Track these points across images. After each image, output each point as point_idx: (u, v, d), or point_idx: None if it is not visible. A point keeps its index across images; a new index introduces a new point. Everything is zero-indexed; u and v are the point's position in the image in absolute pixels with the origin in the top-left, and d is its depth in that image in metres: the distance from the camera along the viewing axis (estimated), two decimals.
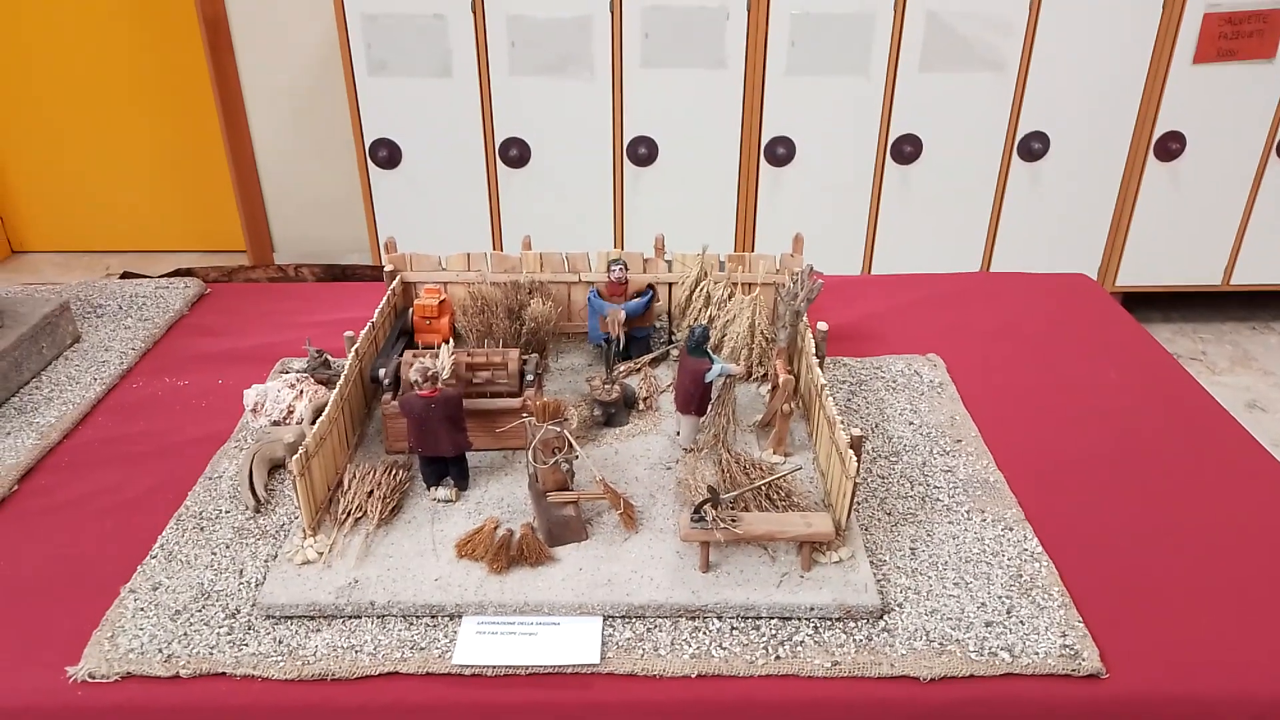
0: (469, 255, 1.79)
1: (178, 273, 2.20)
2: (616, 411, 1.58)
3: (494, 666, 1.18)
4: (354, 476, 1.42)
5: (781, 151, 3.40)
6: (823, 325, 1.55)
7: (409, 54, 3.30)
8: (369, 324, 1.61)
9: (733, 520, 1.26)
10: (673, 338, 1.77)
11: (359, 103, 3.39)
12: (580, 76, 3.32)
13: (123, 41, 4.29)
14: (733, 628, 1.23)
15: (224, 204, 4.55)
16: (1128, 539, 1.39)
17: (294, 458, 1.28)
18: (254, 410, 1.60)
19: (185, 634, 1.23)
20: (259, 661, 1.19)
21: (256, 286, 2.21)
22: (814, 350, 1.54)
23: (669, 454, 1.52)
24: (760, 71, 3.28)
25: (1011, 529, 1.39)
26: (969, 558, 1.34)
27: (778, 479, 1.36)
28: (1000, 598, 1.27)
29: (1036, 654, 1.18)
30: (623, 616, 1.24)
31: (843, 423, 1.36)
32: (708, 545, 1.27)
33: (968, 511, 1.43)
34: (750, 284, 1.76)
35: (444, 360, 1.49)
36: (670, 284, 1.79)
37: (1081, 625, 1.22)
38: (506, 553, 1.29)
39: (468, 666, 1.18)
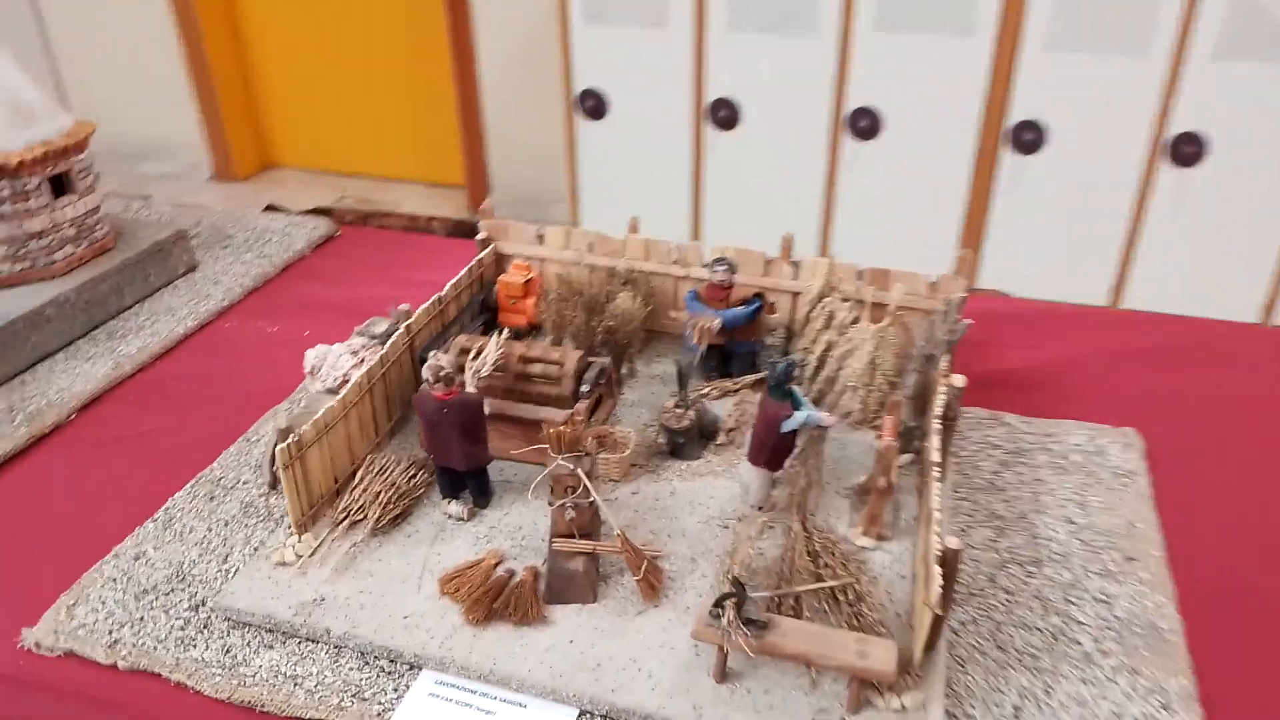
0: (569, 231, 1.56)
1: (316, 211, 2.14)
2: (687, 442, 1.31)
3: None
4: (370, 470, 1.25)
5: (1029, 137, 2.89)
6: (959, 380, 1.19)
7: (626, 1, 3.08)
8: (434, 298, 1.43)
9: (760, 627, 0.97)
10: (787, 358, 1.46)
11: (571, 50, 3.22)
12: (803, 36, 2.97)
13: None
14: None
15: (451, 142, 4.60)
16: None
17: (280, 446, 1.12)
18: (311, 373, 1.47)
19: (141, 619, 1.11)
20: (196, 670, 1.05)
21: (386, 234, 2.10)
22: (942, 409, 1.19)
23: (733, 508, 1.24)
24: (1014, 43, 2.78)
25: (1172, 709, 1.00)
26: None
27: (832, 586, 1.04)
28: None
29: None
30: (603, 716, 1.00)
31: (943, 522, 1.02)
32: (725, 651, 0.99)
33: (1114, 668, 1.05)
34: (882, 306, 1.41)
35: (490, 353, 1.28)
36: (795, 294, 1.48)
37: None
38: (490, 600, 1.08)
39: None
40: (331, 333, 1.61)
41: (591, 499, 1.08)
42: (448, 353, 1.31)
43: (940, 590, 0.94)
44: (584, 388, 1.29)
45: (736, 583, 0.98)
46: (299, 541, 1.16)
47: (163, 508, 1.28)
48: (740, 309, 1.39)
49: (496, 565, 1.13)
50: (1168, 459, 1.38)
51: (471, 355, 1.29)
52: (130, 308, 1.71)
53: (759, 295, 1.42)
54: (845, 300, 1.41)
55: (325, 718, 1.00)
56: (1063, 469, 1.35)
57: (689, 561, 1.15)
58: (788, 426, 1.15)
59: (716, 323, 1.37)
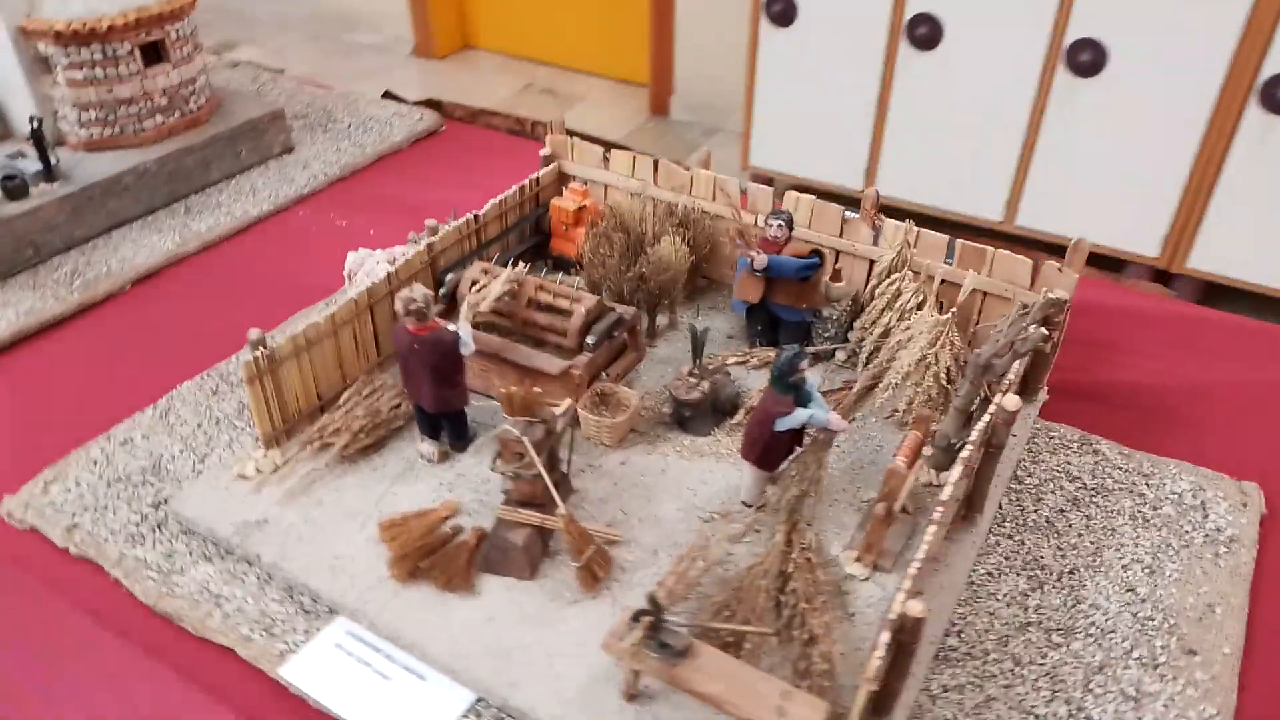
0: (635, 157, 1.41)
1: (427, 103, 2.08)
2: (696, 416, 1.17)
3: (316, 701, 0.92)
4: (358, 394, 1.19)
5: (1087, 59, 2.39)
6: (1011, 402, 0.97)
7: None
8: (470, 215, 1.33)
9: (676, 654, 0.85)
10: (847, 333, 1.27)
11: None
12: None
13: None
14: None
15: (641, 39, 4.45)
16: None
17: (246, 359, 1.08)
18: (348, 277, 1.42)
19: (105, 507, 1.12)
20: (134, 570, 1.04)
21: (490, 135, 2.01)
22: (983, 434, 0.98)
23: (724, 499, 1.09)
24: None
25: None
26: None
27: (746, 632, 0.89)
28: None
29: None
30: (496, 709, 0.91)
31: (917, 579, 0.84)
32: (637, 670, 0.87)
33: None
34: (954, 291, 1.18)
35: (494, 287, 1.18)
36: (872, 263, 1.28)
37: None
38: (419, 557, 1.00)
39: (291, 685, 0.93)
40: (397, 234, 1.56)
41: (535, 472, 0.97)
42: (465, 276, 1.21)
43: (882, 662, 0.77)
44: (590, 339, 1.17)
45: (653, 601, 0.85)
46: (263, 456, 1.13)
47: (166, 395, 1.27)
48: (791, 259, 1.20)
49: (446, 519, 1.05)
50: None
51: (478, 286, 1.19)
52: (215, 183, 1.72)
53: (817, 252, 1.22)
54: (919, 276, 1.20)
55: (231, 646, 0.97)
56: (1145, 521, 1.11)
57: (651, 553, 1.03)
58: (782, 425, 0.99)
59: (762, 259, 1.20)
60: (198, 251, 1.58)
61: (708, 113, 4.10)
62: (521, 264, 1.23)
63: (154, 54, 1.61)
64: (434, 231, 1.29)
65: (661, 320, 1.34)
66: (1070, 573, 1.05)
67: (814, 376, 1.03)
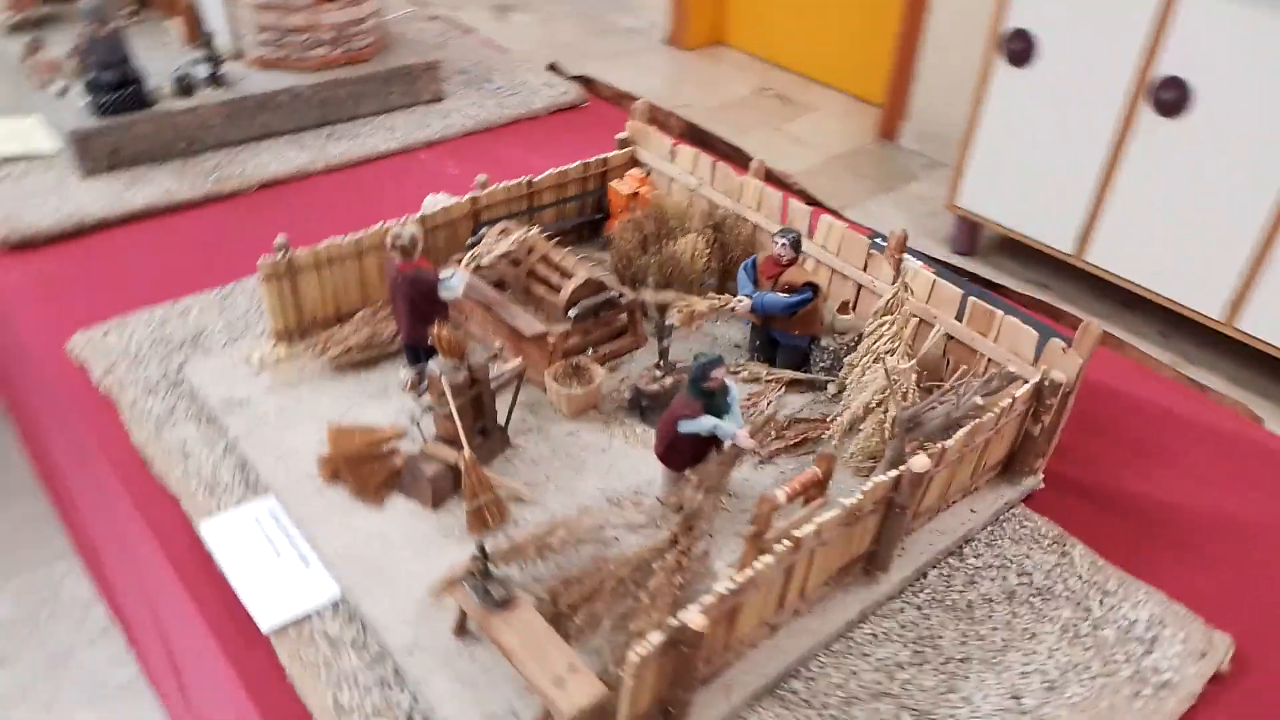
0: (697, 155, 1.44)
1: (580, 78, 2.17)
2: (654, 408, 1.19)
3: (215, 557, 1.04)
4: (369, 317, 1.31)
5: None
6: (920, 463, 0.92)
7: None
8: (524, 178, 1.42)
9: (496, 603, 0.89)
10: (710, 354, 1.23)
11: None
12: None
13: None
14: (409, 718, 0.90)
15: (883, 59, 4.39)
16: None
17: (266, 259, 1.21)
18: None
19: (141, 360, 1.29)
20: (138, 418, 1.20)
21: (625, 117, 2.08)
22: (876, 491, 0.95)
23: (651, 491, 1.11)
24: None
25: None
26: None
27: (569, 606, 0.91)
28: None
29: None
30: (350, 610, 0.99)
31: (718, 600, 0.83)
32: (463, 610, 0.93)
33: None
34: (961, 350, 1.13)
35: (500, 244, 1.26)
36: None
37: None
38: (344, 464, 1.09)
39: (205, 541, 1.05)
40: None
41: (447, 412, 1.04)
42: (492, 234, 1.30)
43: (641, 658, 0.78)
44: (572, 311, 1.22)
45: (481, 549, 0.90)
46: (271, 349, 1.26)
47: (233, 283, 1.44)
48: (778, 297, 1.20)
49: (389, 439, 1.14)
50: (1246, 694, 0.99)
51: (486, 240, 1.27)
52: (362, 117, 1.90)
53: (811, 285, 1.21)
54: (911, 321, 1.16)
55: (177, 496, 1.11)
56: (1076, 636, 1.02)
57: (550, 519, 1.07)
58: (684, 427, 1.00)
59: (745, 304, 1.21)
60: (323, 172, 1.76)
61: (935, 144, 4.00)
62: (537, 229, 1.30)
63: None
64: (483, 186, 1.38)
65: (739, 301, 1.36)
66: (961, 661, 0.99)
67: (736, 388, 1.03)
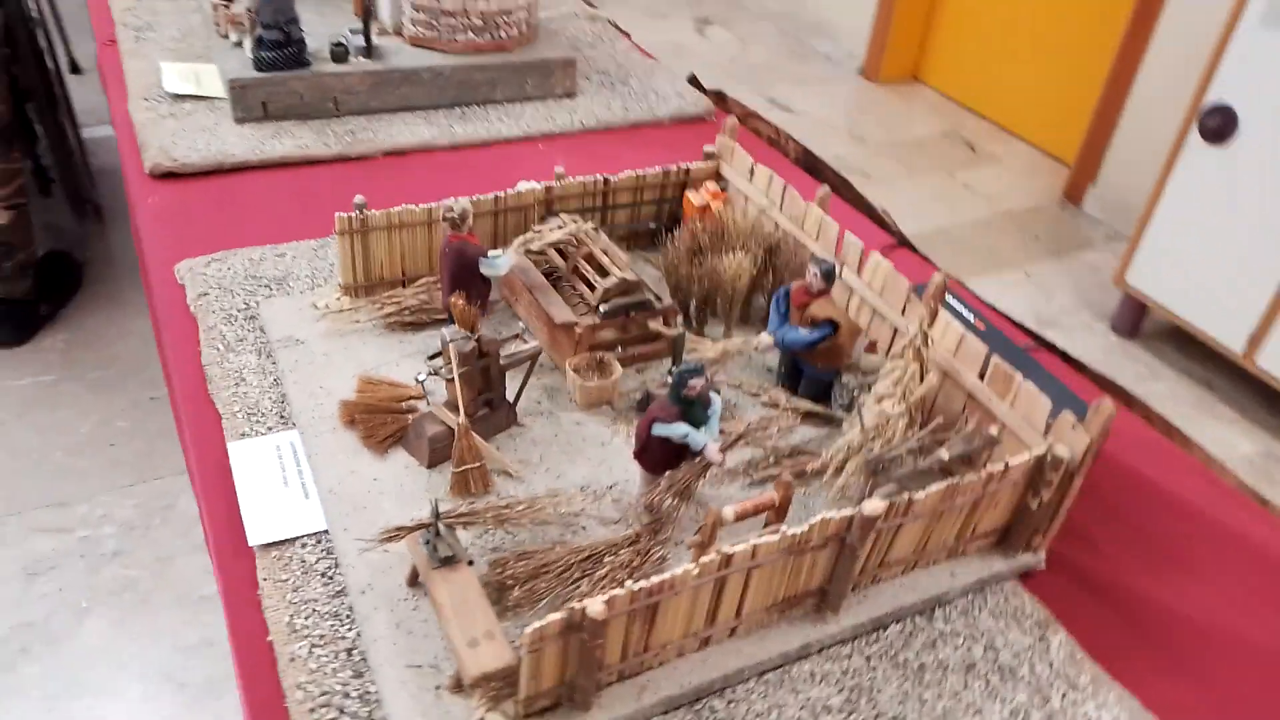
0: (771, 177, 1.45)
1: (714, 93, 2.19)
2: None
3: (235, 475, 1.14)
4: (431, 283, 1.40)
5: None
6: (871, 506, 0.91)
7: None
8: (600, 176, 1.47)
9: (442, 562, 0.95)
10: (688, 365, 1.21)
11: (1222, 55, 2.66)
12: None
13: None
14: (348, 652, 0.97)
15: (1079, 119, 4.21)
16: None
17: (341, 214, 1.32)
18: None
19: (230, 291, 1.43)
20: (211, 340, 1.34)
21: (747, 136, 2.10)
22: (814, 529, 0.94)
23: (624, 485, 1.15)
24: None
25: None
26: None
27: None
28: None
29: None
30: (325, 539, 1.07)
31: (632, 598, 0.85)
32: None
33: None
34: (977, 408, 1.09)
35: (551, 236, 1.32)
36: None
37: None
38: (360, 411, 1.18)
39: (230, 459, 1.16)
40: None
41: (451, 377, 1.11)
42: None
43: (534, 633, 0.82)
44: (602, 307, 1.27)
45: (435, 510, 0.96)
46: (336, 298, 1.38)
47: (328, 237, 1.57)
48: (800, 334, 1.20)
49: (411, 398, 1.22)
50: None
51: (541, 228, 1.34)
52: (495, 102, 2.01)
53: (831, 321, 1.20)
54: (919, 370, 1.14)
55: (221, 415, 1.23)
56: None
57: (531, 497, 1.12)
58: (657, 430, 1.03)
59: (766, 342, 1.22)
60: (445, 148, 1.88)
61: (1120, 215, 3.82)
62: (591, 225, 1.35)
63: None
64: (559, 178, 1.45)
65: (715, 330, 1.39)
66: (892, 719, 0.97)
67: (720, 403, 1.05)
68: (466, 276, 1.24)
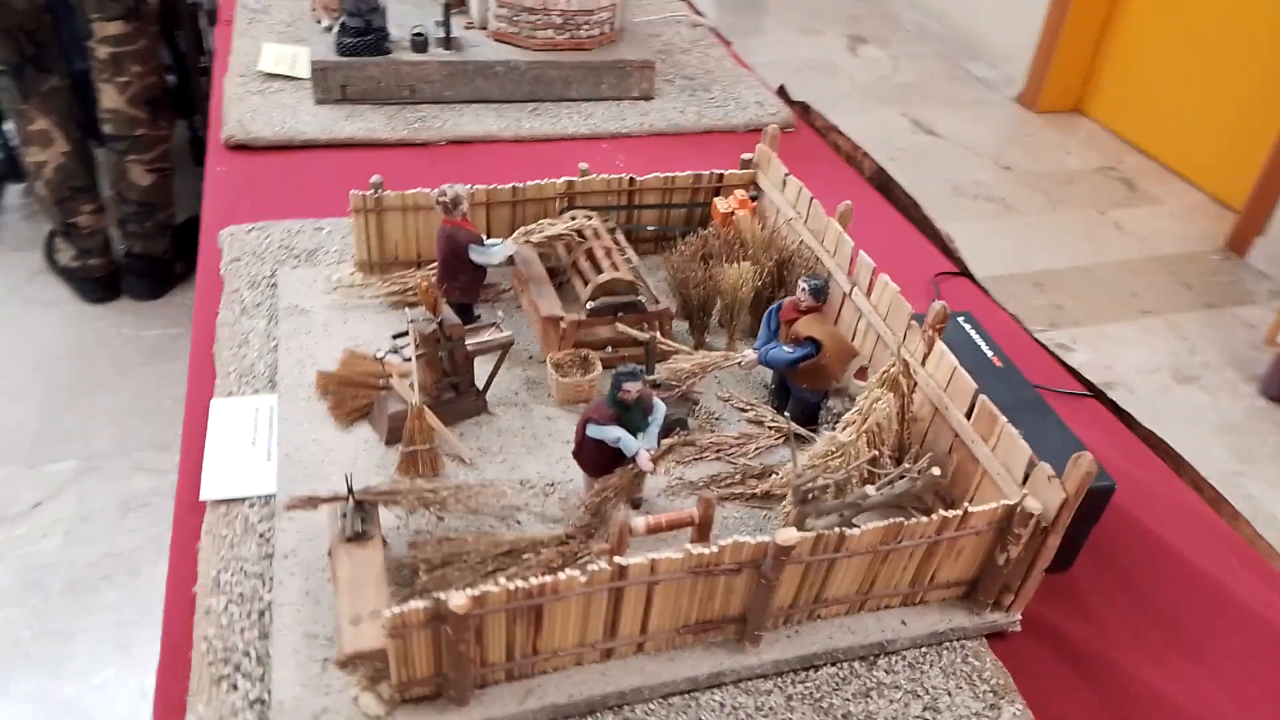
0: (801, 188, 1.38)
1: (801, 104, 2.11)
2: None
3: (210, 435, 1.18)
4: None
5: None
6: (785, 535, 0.84)
7: None
8: (627, 175, 1.45)
9: (357, 535, 0.95)
10: (628, 367, 1.11)
11: None
12: None
13: None
14: (260, 613, 0.99)
15: (1251, 166, 3.87)
16: None
17: (356, 192, 1.34)
18: None
19: (261, 259, 1.47)
20: (229, 303, 1.39)
21: (824, 149, 2.02)
22: (725, 551, 0.88)
23: (571, 485, 1.11)
24: None
25: None
26: None
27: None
28: None
29: None
30: (272, 502, 1.09)
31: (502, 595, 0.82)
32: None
33: None
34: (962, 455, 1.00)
35: (552, 229, 1.30)
36: None
37: None
38: (334, 383, 1.20)
39: (210, 421, 1.20)
40: None
41: (409, 358, 1.11)
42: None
43: (391, 616, 0.80)
44: (589, 304, 1.24)
45: (349, 484, 0.96)
46: (350, 274, 1.40)
47: (338, 224, 1.59)
48: (782, 351, 1.14)
49: (386, 376, 1.23)
50: None
51: (551, 223, 1.32)
52: (569, 100, 2.02)
53: (814, 341, 1.13)
54: (891, 400, 1.05)
55: (217, 368, 1.27)
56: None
57: (480, 485, 1.10)
58: (590, 431, 0.99)
59: (750, 359, 1.16)
60: (510, 140, 1.90)
61: None
62: (598, 219, 1.32)
63: None
64: (584, 174, 1.43)
65: (720, 340, 1.34)
66: None
67: (663, 412, 1.00)
68: (456, 262, 1.24)
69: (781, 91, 2.20)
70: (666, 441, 1.17)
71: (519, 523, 1.07)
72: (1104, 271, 3.92)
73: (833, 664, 0.99)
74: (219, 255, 1.51)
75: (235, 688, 0.92)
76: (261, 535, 1.06)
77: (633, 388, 0.96)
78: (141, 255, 3.09)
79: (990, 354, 1.21)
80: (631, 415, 0.98)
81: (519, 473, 1.13)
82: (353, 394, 1.19)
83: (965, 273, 1.64)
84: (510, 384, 1.25)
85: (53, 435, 2.69)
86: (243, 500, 1.09)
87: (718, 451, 1.16)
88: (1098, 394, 1.39)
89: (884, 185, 1.87)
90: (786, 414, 1.18)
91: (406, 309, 1.13)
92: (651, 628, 0.93)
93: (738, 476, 1.13)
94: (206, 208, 1.65)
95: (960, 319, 1.26)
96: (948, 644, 1.02)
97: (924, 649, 1.01)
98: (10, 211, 3.55)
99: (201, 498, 1.09)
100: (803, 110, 2.13)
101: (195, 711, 0.90)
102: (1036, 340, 1.49)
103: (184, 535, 1.07)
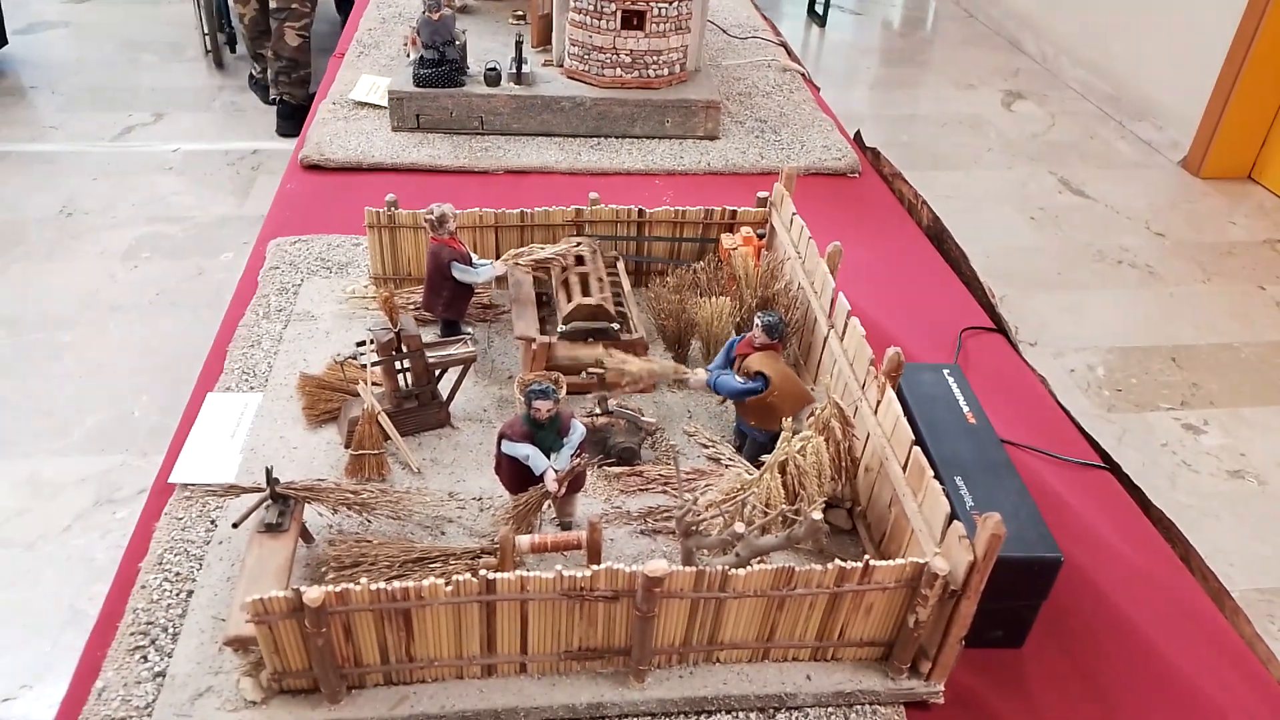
0: (803, 228, 1.35)
1: (871, 150, 2.04)
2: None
3: (196, 425, 1.26)
4: None
5: None
6: (653, 566, 0.81)
7: None
8: (638, 207, 1.45)
9: (269, 526, 0.99)
10: (538, 384, 1.09)
11: None
12: None
13: None
14: (189, 594, 1.04)
15: None
16: None
17: (371, 209, 1.41)
18: None
19: (294, 267, 1.57)
20: (256, 305, 1.49)
21: (885, 196, 1.95)
22: (613, 584, 0.86)
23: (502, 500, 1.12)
24: None
25: None
26: None
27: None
28: None
29: None
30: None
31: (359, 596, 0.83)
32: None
33: None
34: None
35: (542, 252, 1.32)
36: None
37: None
38: (312, 385, 1.25)
39: (201, 413, 1.28)
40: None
41: (363, 363, 1.14)
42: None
43: (251, 604, 0.83)
44: (561, 327, 1.25)
45: (268, 474, 1.00)
46: (365, 286, 1.47)
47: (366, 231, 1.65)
48: (735, 380, 1.11)
49: (364, 384, 1.27)
50: None
51: (547, 249, 1.35)
52: (632, 137, 2.05)
53: (764, 376, 1.09)
54: (820, 446, 1.00)
55: (225, 365, 1.36)
56: None
57: (417, 492, 1.13)
58: (504, 447, 1.00)
59: (700, 378, 1.14)
60: (565, 173, 1.94)
61: None
62: (589, 246, 1.34)
63: (633, 21, 1.97)
64: (593, 203, 1.45)
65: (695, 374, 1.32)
66: None
67: (580, 434, 1.00)
68: (440, 279, 1.28)
69: (857, 137, 2.16)
70: (616, 470, 1.16)
71: (443, 534, 1.08)
72: (1253, 352, 3.59)
73: (727, 711, 0.95)
74: (259, 262, 1.61)
75: (145, 659, 0.97)
76: (212, 521, 1.11)
77: (543, 406, 0.96)
78: (288, 101, 3.97)
79: (966, 409, 1.14)
80: (545, 434, 0.98)
81: (464, 486, 1.15)
82: (326, 397, 1.24)
83: (1000, 330, 1.55)
84: (481, 401, 1.27)
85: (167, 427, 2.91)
86: (204, 487, 1.16)
87: (664, 484, 1.14)
88: (1113, 467, 1.27)
89: (938, 235, 1.80)
90: (742, 455, 1.15)
91: (373, 324, 1.18)
92: (532, 649, 0.92)
93: (677, 510, 1.10)
94: (269, 220, 1.77)
95: (945, 371, 1.20)
96: (858, 706, 0.95)
97: (830, 708, 0.95)
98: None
99: (169, 480, 1.16)
100: (874, 156, 2.08)
101: (104, 676, 0.95)
102: (1060, 405, 1.39)
103: (150, 513, 1.14)
